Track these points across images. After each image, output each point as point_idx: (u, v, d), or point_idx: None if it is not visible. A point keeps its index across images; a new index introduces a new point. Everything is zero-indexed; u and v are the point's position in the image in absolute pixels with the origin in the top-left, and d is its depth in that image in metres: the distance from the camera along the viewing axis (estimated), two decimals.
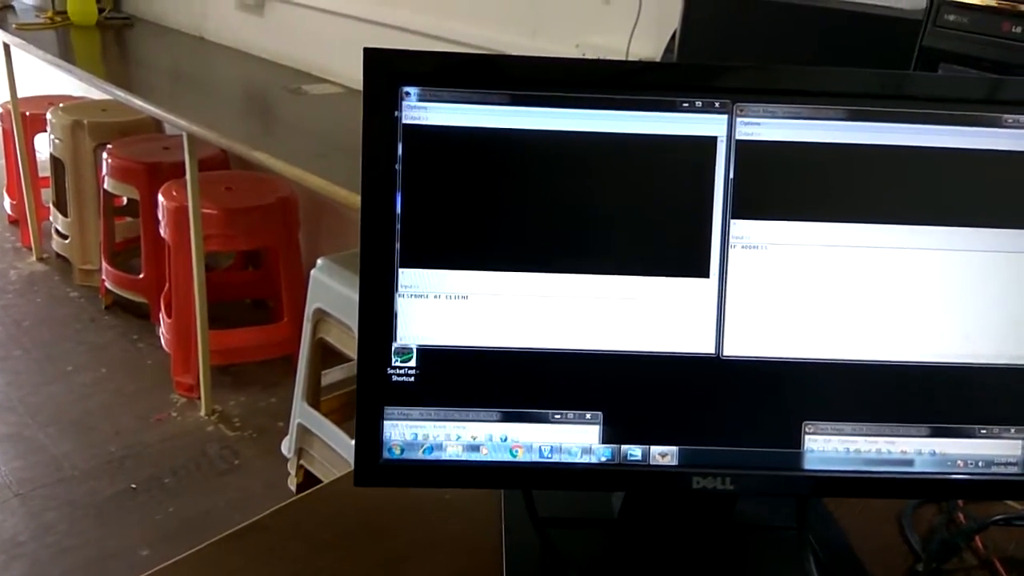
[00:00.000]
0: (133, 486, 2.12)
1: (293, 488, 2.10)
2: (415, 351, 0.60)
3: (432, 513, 0.72)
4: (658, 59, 1.58)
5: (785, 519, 0.70)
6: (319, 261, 1.92)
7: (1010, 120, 0.60)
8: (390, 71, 0.58)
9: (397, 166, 0.58)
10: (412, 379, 0.60)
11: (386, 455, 0.60)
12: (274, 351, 2.52)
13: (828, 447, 0.62)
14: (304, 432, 2.04)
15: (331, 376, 2.13)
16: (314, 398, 2.03)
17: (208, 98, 2.45)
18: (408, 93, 0.58)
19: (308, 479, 2.07)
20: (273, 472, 2.16)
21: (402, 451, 0.60)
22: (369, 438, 0.60)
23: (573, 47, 1.88)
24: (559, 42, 1.94)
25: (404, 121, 0.58)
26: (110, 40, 3.11)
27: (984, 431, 0.62)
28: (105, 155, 2.72)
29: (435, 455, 0.61)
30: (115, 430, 2.32)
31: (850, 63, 1.12)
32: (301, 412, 2.03)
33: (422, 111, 0.58)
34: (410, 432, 0.60)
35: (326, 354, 2.00)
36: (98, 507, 2.04)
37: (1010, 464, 0.62)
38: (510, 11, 2.05)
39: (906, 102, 0.60)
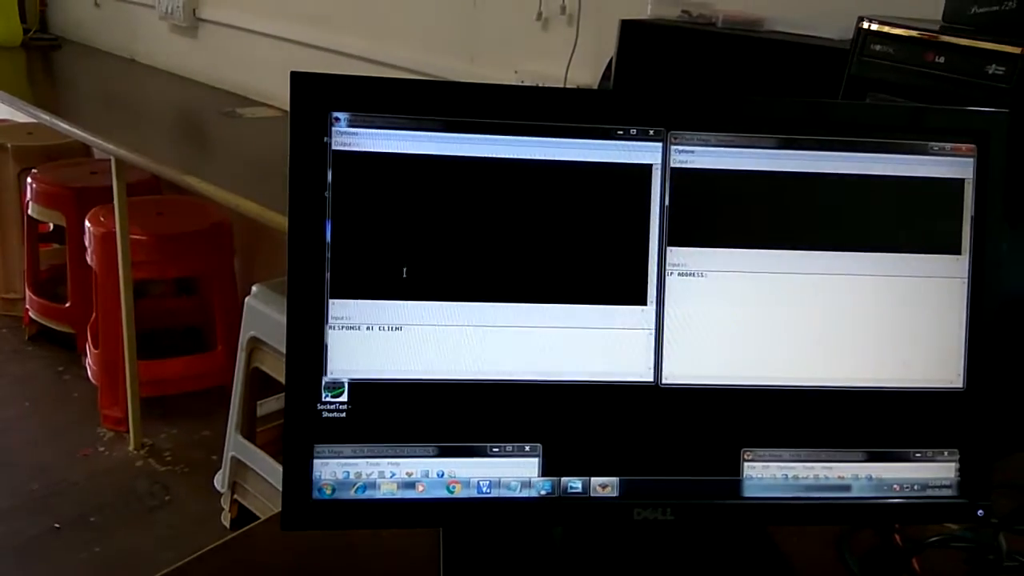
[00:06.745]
0: (57, 526, 2.01)
1: (227, 524, 2.03)
2: (346, 385, 0.58)
3: (367, 553, 0.69)
4: (595, 87, 1.60)
5: (726, 546, 0.70)
6: (254, 288, 1.88)
7: (936, 147, 0.62)
8: (319, 96, 0.56)
9: (327, 193, 0.56)
10: (343, 415, 0.58)
11: (316, 495, 0.58)
12: (207, 381, 2.44)
13: (767, 474, 0.61)
14: (238, 465, 1.97)
15: (267, 407, 2.06)
16: (249, 430, 1.97)
17: (139, 121, 2.38)
18: (338, 119, 0.56)
19: (243, 514, 2.01)
20: (206, 508, 2.08)
21: (333, 491, 0.58)
22: (298, 478, 0.57)
23: (512, 73, 1.88)
24: (497, 68, 1.94)
25: (334, 147, 0.56)
26: (36, 62, 3.01)
27: (919, 455, 0.62)
28: (30, 180, 2.61)
29: (368, 494, 0.58)
30: (38, 467, 2.22)
31: (781, 92, 1.14)
32: (235, 444, 1.96)
33: (352, 137, 0.57)
34: (341, 470, 0.58)
35: (261, 384, 1.95)
36: (19, 549, 1.94)
37: (944, 487, 0.63)
38: (449, 36, 2.04)
39: (836, 130, 0.61)
